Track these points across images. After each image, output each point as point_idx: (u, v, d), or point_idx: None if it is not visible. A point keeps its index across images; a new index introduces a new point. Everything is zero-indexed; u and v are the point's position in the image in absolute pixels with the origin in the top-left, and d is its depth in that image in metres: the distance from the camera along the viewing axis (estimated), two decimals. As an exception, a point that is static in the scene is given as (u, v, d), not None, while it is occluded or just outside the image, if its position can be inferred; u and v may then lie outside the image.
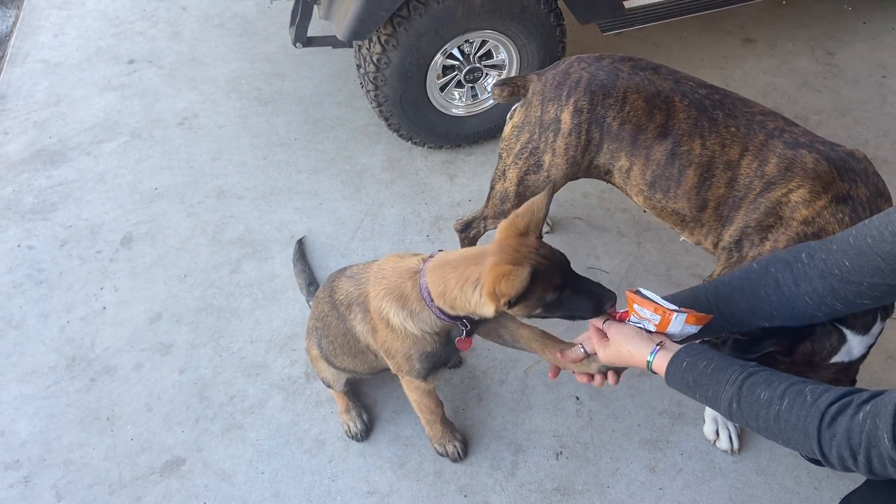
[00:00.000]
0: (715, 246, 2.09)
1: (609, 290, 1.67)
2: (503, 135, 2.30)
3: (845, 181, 1.82)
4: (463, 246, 2.63)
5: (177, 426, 2.36)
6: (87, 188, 3.13)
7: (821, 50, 3.72)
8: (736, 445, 2.26)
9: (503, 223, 1.69)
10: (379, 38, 2.72)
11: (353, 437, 2.30)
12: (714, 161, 1.97)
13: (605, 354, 1.67)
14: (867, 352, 1.81)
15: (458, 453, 2.24)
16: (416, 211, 3.01)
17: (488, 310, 1.64)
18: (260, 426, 2.36)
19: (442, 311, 1.73)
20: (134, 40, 3.90)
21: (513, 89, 2.24)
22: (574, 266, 2.74)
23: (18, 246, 2.89)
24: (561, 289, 1.63)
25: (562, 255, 1.66)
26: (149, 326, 2.63)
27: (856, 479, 2.17)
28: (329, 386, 2.28)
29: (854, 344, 1.75)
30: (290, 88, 3.61)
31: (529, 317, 1.70)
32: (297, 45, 3.03)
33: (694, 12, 3.14)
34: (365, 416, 2.33)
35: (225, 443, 2.32)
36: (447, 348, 1.87)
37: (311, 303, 2.57)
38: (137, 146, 3.32)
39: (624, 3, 2.94)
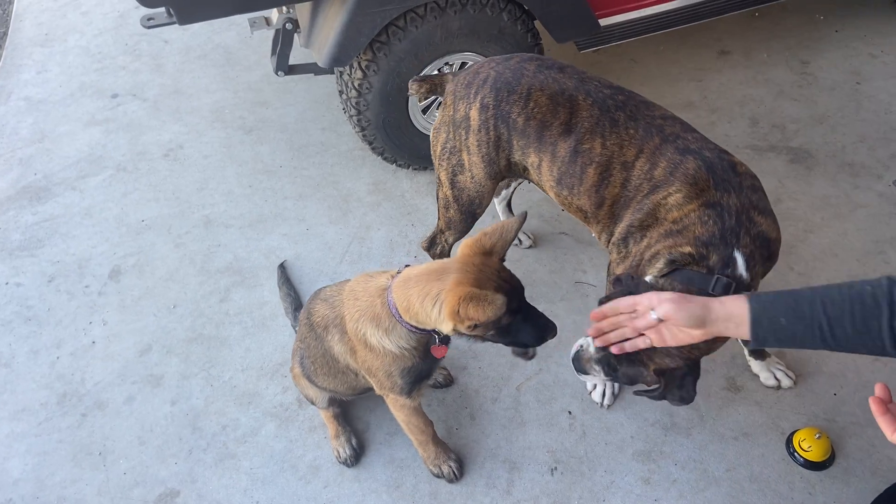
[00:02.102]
0: (607, 242, 2.15)
1: (552, 323, 1.71)
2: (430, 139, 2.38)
3: (718, 190, 1.88)
4: None
5: (170, 458, 2.35)
6: (74, 223, 3.13)
7: (795, 59, 3.79)
8: (607, 402, 2.43)
9: (469, 240, 1.71)
10: (360, 63, 2.75)
11: (343, 463, 2.29)
12: (612, 161, 2.02)
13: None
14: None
15: (454, 473, 2.24)
16: (403, 232, 3.02)
17: (446, 327, 1.65)
18: (254, 455, 2.35)
19: (412, 325, 1.74)
20: (117, 74, 3.93)
21: (430, 86, 2.33)
22: (561, 281, 2.79)
23: (6, 283, 2.89)
24: (515, 314, 1.65)
25: (518, 280, 1.69)
26: (139, 359, 2.63)
27: (848, 482, 2.18)
28: (313, 403, 2.29)
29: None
30: (273, 116, 3.64)
31: (480, 339, 1.73)
32: (279, 73, 3.06)
33: (669, 27, 3.19)
34: (354, 441, 2.33)
35: (219, 473, 2.31)
36: (426, 361, 1.89)
37: (296, 327, 2.58)
38: (123, 179, 3.33)
39: (600, 20, 2.99)
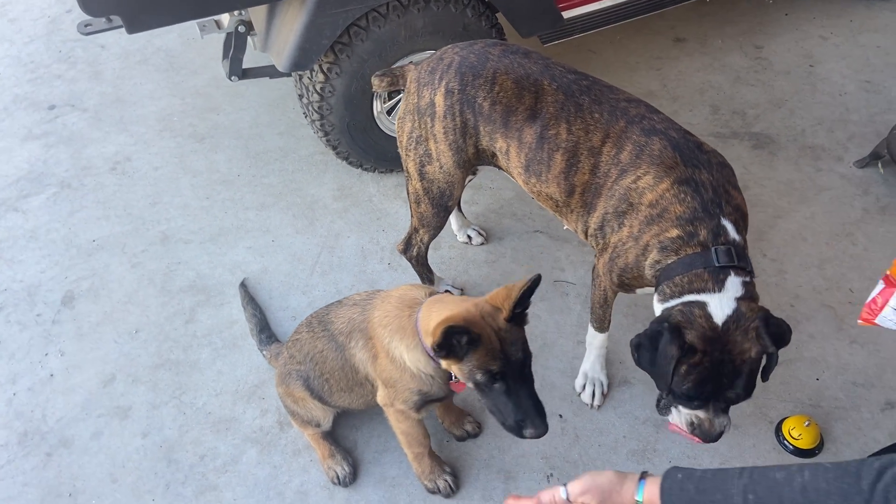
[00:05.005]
0: (585, 234, 2.11)
1: (543, 423, 1.63)
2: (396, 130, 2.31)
3: (688, 166, 1.86)
4: (415, 268, 2.59)
5: (146, 495, 2.22)
6: (19, 247, 2.93)
7: (749, 44, 3.82)
8: (597, 402, 2.39)
9: (494, 291, 1.67)
10: (321, 66, 2.64)
11: (340, 483, 2.20)
12: (579, 146, 1.99)
13: None
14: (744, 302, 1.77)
15: (450, 487, 2.17)
16: (375, 239, 2.93)
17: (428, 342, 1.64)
18: (236, 484, 2.24)
19: (431, 350, 1.69)
20: (52, 84, 3.70)
21: (391, 79, 2.26)
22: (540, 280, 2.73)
23: (-52, 317, 2.68)
24: (493, 377, 1.61)
25: (524, 352, 1.64)
26: (103, 390, 2.47)
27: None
28: (318, 425, 2.18)
29: (715, 304, 1.75)
30: (226, 122, 3.48)
31: (468, 384, 1.69)
32: (233, 78, 2.91)
33: (629, 18, 3.17)
34: (350, 459, 2.24)
35: (201, 507, 2.19)
36: (444, 390, 1.83)
37: (264, 351, 2.47)
38: (69, 197, 3.13)
39: (563, 13, 2.94)
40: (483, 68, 2.07)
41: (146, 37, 3.97)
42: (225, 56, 2.95)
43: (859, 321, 1.63)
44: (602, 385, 2.41)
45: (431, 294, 1.79)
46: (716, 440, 1.87)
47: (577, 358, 2.50)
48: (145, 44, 3.95)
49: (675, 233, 1.81)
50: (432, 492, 2.19)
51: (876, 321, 1.59)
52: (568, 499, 1.44)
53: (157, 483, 2.24)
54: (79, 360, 2.55)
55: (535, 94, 2.02)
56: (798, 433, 2.26)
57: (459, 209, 2.83)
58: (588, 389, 2.40)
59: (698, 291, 1.77)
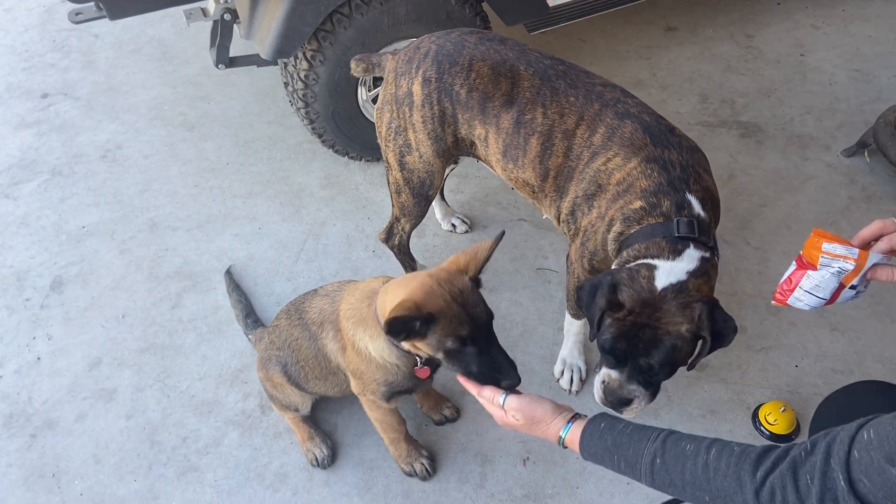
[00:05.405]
0: (558, 220, 2.12)
1: (516, 374, 1.60)
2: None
3: (657, 147, 1.86)
4: (397, 257, 2.60)
5: (128, 475, 2.25)
6: (9, 233, 2.96)
7: (740, 33, 3.82)
8: (575, 388, 2.41)
9: (452, 257, 1.65)
10: (305, 54, 2.65)
11: (318, 465, 2.23)
12: (553, 130, 1.99)
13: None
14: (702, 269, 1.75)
15: (427, 470, 2.19)
16: (360, 227, 2.95)
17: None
18: (217, 466, 2.27)
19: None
20: (46, 73, 3.73)
21: (367, 65, 2.26)
22: (523, 268, 2.75)
23: (-62, 301, 2.72)
24: (464, 342, 1.57)
25: (487, 313, 1.61)
26: (88, 373, 2.50)
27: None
28: (296, 410, 2.22)
29: (663, 270, 1.72)
30: (216, 111, 3.50)
31: (436, 359, 1.66)
32: (220, 66, 2.94)
33: (616, 6, 3.17)
34: (329, 442, 2.27)
35: (181, 487, 2.22)
36: (411, 380, 1.86)
37: (249, 335, 2.50)
38: (59, 184, 3.17)
39: (548, 1, 2.95)
40: (459, 56, 2.08)
41: (139, 26, 4.00)
42: (212, 44, 2.97)
43: (773, 302, 1.62)
44: (580, 371, 2.43)
45: (385, 281, 1.78)
46: (619, 407, 1.85)
47: (558, 345, 2.51)
48: (139, 33, 3.98)
49: (638, 204, 1.82)
50: (409, 475, 2.21)
51: (788, 302, 1.58)
52: (503, 406, 1.55)
53: (139, 464, 2.28)
54: (65, 344, 2.59)
55: (512, 80, 2.03)
56: (774, 419, 2.27)
57: (443, 198, 2.85)
58: (566, 375, 2.42)
59: (653, 257, 1.76)
